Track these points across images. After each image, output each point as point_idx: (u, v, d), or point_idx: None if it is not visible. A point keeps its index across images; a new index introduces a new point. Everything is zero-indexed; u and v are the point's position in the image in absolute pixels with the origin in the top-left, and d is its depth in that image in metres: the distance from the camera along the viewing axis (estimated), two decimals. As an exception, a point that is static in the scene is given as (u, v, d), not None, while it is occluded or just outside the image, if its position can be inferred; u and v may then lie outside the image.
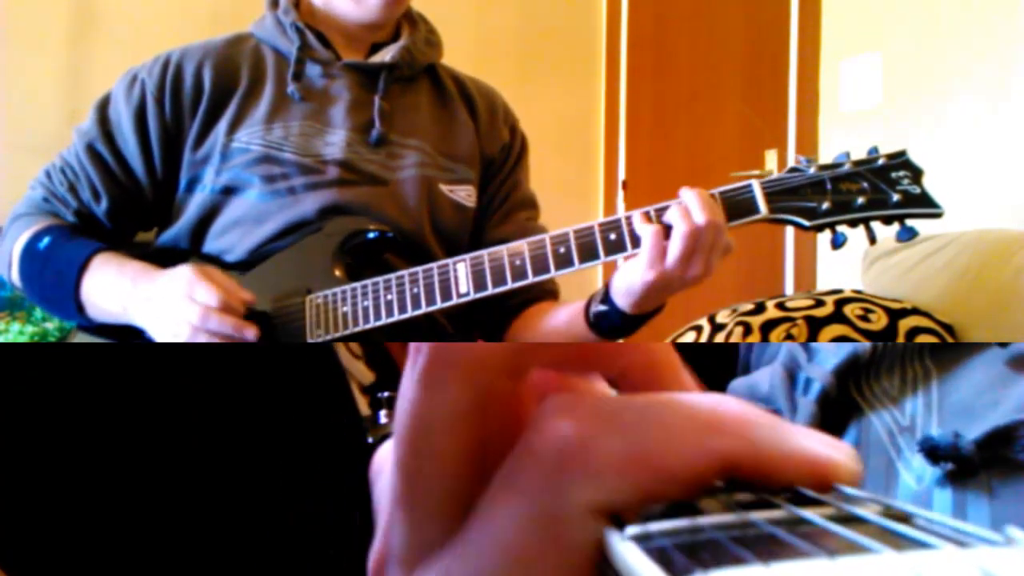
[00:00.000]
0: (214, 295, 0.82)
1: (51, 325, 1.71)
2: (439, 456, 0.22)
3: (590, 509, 0.19)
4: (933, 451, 0.42)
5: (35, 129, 2.03)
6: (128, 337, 0.92)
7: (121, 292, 0.88)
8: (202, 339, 0.82)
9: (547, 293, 1.03)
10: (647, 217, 0.78)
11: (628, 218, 0.78)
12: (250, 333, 0.84)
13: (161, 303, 0.85)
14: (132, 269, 0.90)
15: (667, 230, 0.75)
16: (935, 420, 0.46)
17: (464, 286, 0.83)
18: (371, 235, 0.93)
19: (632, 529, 0.19)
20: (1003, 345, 0.45)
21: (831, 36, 2.05)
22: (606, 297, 0.85)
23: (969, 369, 0.47)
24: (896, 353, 0.50)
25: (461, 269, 0.83)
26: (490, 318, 1.03)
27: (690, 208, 0.75)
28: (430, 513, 0.22)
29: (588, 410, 0.20)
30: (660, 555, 0.18)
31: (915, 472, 0.44)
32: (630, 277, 0.79)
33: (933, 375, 0.48)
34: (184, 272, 0.85)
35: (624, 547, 0.19)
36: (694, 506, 0.19)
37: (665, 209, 0.77)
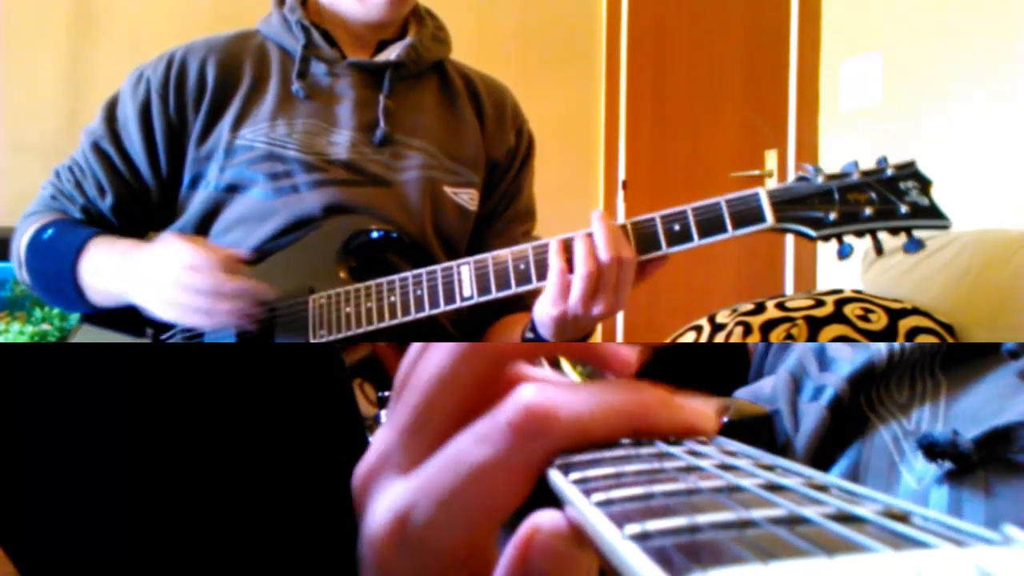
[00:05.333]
0: (208, 256, 0.82)
1: (50, 327, 1.71)
2: (439, 405, 0.30)
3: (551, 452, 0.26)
4: (931, 448, 0.42)
5: (35, 129, 2.03)
6: (134, 324, 0.92)
7: (116, 269, 0.89)
8: (207, 303, 0.81)
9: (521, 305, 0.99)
10: (564, 246, 0.77)
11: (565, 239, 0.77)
12: (263, 288, 0.84)
13: (156, 275, 0.84)
14: (123, 245, 0.91)
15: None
16: (940, 425, 0.46)
17: (468, 289, 0.82)
18: (374, 235, 0.92)
19: (632, 528, 0.20)
20: (1014, 355, 0.45)
21: (831, 36, 2.05)
22: (533, 325, 0.84)
23: (980, 383, 0.47)
24: (908, 364, 0.51)
25: (465, 272, 0.82)
26: (476, 322, 1.02)
27: (596, 245, 0.75)
28: (427, 438, 0.29)
29: (547, 385, 0.28)
30: (659, 554, 0.18)
31: (916, 473, 0.44)
32: (539, 310, 0.79)
33: (943, 388, 0.48)
34: (174, 240, 0.85)
35: (622, 545, 0.19)
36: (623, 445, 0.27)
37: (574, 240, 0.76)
